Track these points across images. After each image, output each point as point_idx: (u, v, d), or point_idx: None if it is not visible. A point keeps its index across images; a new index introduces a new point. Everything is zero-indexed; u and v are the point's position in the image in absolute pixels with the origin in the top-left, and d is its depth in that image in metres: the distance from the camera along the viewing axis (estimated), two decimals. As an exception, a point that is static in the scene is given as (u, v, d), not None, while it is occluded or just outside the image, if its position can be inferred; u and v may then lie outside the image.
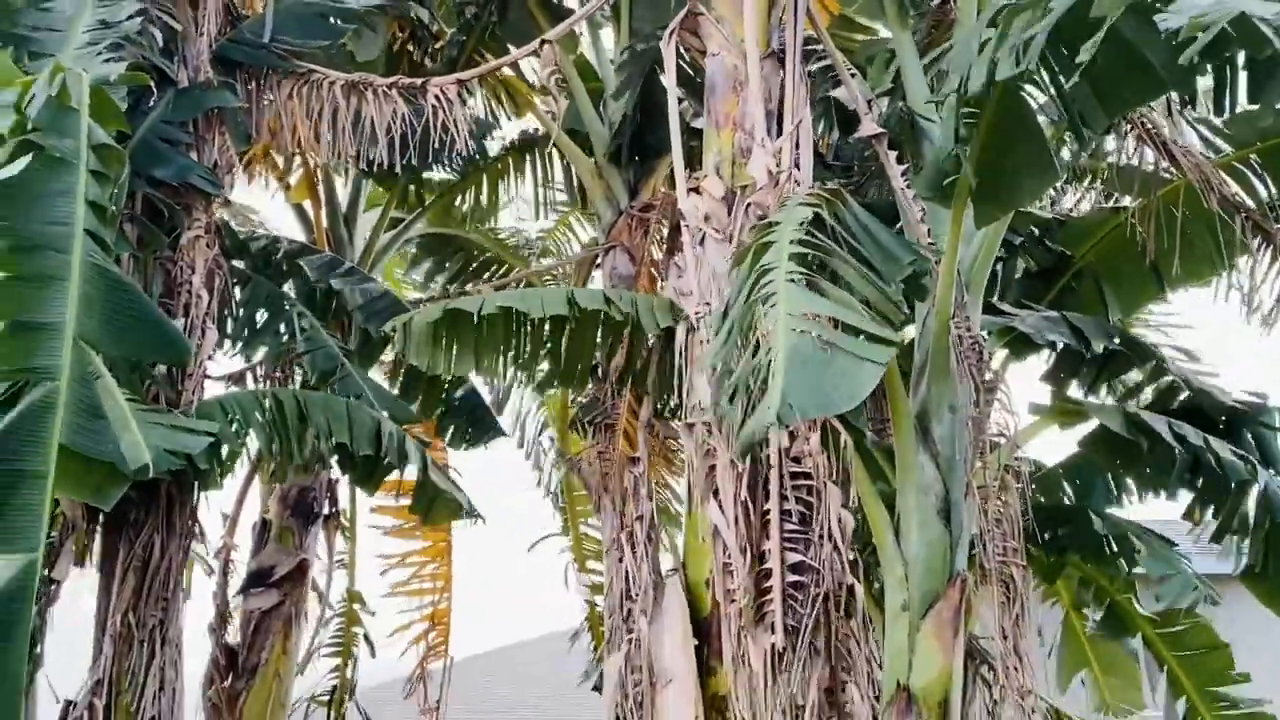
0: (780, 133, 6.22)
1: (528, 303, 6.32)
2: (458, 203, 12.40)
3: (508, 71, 11.00)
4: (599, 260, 11.08)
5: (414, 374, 9.17)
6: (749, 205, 5.68)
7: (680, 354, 5.87)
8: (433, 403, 9.37)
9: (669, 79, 6.39)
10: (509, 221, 13.67)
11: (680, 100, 11.00)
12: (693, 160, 9.17)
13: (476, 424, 9.32)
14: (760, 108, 6.28)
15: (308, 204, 11.40)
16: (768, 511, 5.31)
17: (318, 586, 9.73)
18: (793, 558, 5.19)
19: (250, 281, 8.21)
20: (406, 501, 11.79)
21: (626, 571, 8.64)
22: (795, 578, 5.17)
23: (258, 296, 8.11)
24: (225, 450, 6.77)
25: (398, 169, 8.13)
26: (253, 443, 7.06)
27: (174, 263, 7.17)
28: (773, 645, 5.03)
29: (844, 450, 5.42)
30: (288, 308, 8.04)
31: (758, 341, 4.11)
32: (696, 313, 5.76)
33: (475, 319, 6.32)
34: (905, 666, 5.35)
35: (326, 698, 10.60)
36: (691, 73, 8.64)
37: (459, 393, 9.47)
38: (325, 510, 9.91)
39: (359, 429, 7.26)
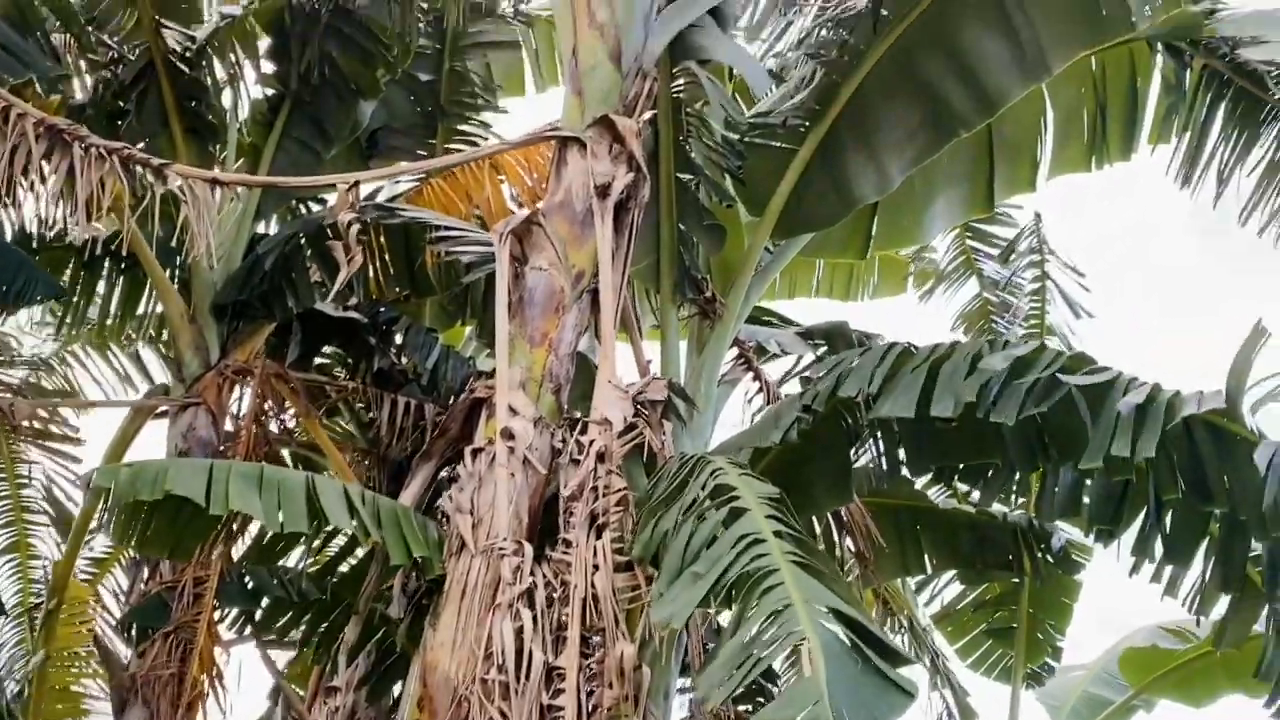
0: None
1: (268, 513, 5.20)
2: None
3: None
4: (163, 409, 9.61)
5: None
6: (596, 447, 5.28)
7: (472, 589, 5.15)
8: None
9: (500, 282, 5.85)
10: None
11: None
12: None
13: None
14: (575, 335, 6.03)
15: None
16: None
17: None
18: None
19: None
20: None
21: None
22: None
23: None
24: None
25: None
26: None
27: None
28: None
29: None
30: None
31: (768, 620, 3.74)
32: (500, 550, 5.16)
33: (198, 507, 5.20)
34: None
35: None
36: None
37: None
38: None
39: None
